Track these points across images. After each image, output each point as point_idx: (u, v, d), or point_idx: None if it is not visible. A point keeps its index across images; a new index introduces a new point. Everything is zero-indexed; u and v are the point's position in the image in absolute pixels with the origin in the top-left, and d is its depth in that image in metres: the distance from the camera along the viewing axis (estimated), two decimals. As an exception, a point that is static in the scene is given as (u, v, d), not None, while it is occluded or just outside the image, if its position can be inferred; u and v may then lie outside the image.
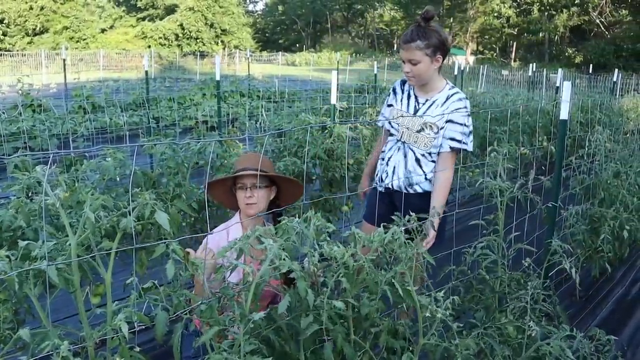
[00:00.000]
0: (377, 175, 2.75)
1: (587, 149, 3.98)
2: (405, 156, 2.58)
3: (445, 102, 2.48)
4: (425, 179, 2.56)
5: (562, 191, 3.38)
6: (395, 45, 51.55)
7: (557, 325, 2.27)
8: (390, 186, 2.63)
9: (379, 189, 2.69)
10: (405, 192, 2.56)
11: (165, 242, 1.18)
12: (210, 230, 2.14)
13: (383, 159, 2.70)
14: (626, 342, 3.15)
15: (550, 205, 3.01)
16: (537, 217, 3.13)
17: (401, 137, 2.58)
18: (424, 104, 2.54)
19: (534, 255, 2.66)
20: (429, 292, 1.59)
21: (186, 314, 1.26)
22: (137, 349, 1.16)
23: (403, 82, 2.66)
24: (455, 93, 2.51)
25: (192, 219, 3.07)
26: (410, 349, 1.63)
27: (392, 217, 2.11)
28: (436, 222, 2.30)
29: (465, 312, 2.31)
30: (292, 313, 1.44)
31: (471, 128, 2.52)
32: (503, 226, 2.36)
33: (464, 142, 2.46)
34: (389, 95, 2.72)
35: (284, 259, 1.24)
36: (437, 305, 1.46)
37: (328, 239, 1.50)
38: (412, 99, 2.58)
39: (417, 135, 2.51)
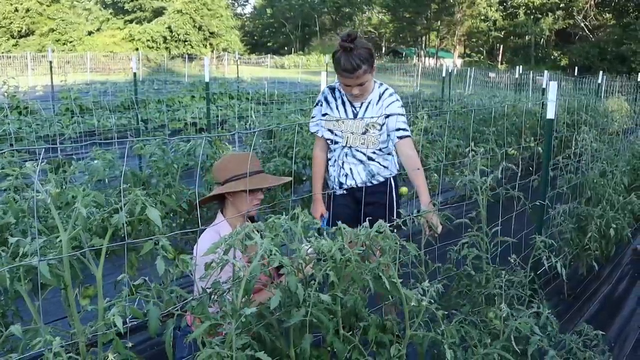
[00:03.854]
0: (333, 180, 2.78)
1: (573, 148, 4.03)
2: (355, 157, 2.67)
3: (379, 100, 2.61)
4: (384, 167, 2.69)
5: (550, 190, 3.42)
6: (384, 48, 51.77)
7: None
8: (354, 185, 2.69)
9: (339, 192, 2.75)
10: (370, 184, 2.67)
11: (155, 238, 1.18)
12: (202, 231, 2.14)
13: (333, 165, 2.75)
14: (613, 338, 3.19)
15: (538, 203, 3.04)
16: (526, 216, 3.17)
17: (346, 142, 2.65)
18: (360, 107, 2.62)
19: (523, 253, 2.70)
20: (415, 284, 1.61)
21: (177, 310, 1.26)
22: (130, 343, 1.15)
23: (332, 90, 2.70)
24: (385, 90, 2.65)
25: (183, 220, 3.06)
26: (399, 342, 1.64)
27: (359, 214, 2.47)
28: (435, 218, 2.36)
29: (454, 308, 2.32)
30: (283, 308, 1.45)
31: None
32: (486, 222, 2.39)
33: (407, 129, 2.62)
34: (320, 105, 2.73)
35: (274, 254, 1.25)
36: (423, 294, 1.49)
37: (316, 235, 1.51)
38: (348, 104, 2.65)
39: (363, 137, 2.62)
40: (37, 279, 1.10)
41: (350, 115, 2.63)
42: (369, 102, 2.61)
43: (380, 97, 2.61)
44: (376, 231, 1.49)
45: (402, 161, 2.62)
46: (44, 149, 1.16)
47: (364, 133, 2.60)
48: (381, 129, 2.60)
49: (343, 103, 2.65)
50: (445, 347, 1.56)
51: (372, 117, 2.58)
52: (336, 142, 2.69)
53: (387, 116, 2.58)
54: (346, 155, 2.68)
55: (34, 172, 1.04)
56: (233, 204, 2.22)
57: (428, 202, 2.45)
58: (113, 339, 1.10)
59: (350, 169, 2.69)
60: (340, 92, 2.67)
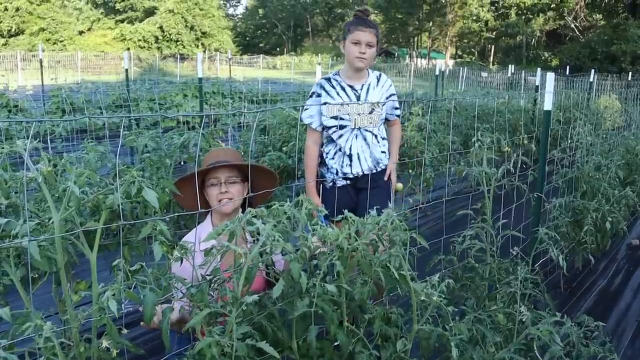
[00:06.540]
0: (335, 172, 2.74)
1: (569, 142, 4.02)
2: (365, 140, 2.72)
3: (378, 82, 2.76)
4: (383, 153, 2.82)
5: (545, 185, 3.40)
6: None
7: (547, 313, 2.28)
8: (359, 173, 2.72)
9: (339, 183, 2.73)
10: (374, 171, 2.75)
11: (151, 220, 1.13)
12: (197, 224, 2.07)
13: (334, 157, 2.74)
14: (611, 331, 3.18)
15: (536, 195, 3.03)
16: (523, 209, 3.15)
17: (355, 124, 2.68)
18: (361, 89, 2.71)
19: (521, 246, 2.68)
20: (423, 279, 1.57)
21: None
22: (125, 330, 1.10)
23: (328, 79, 2.75)
24: (380, 74, 2.80)
25: (177, 214, 3.00)
26: (404, 336, 1.60)
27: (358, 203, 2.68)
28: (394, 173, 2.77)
29: (457, 301, 2.29)
30: (285, 299, 1.40)
31: None
32: (491, 214, 2.36)
33: (399, 109, 2.91)
34: (318, 96, 2.70)
35: (277, 240, 1.20)
36: (432, 289, 1.44)
37: (320, 222, 1.47)
38: (348, 89, 2.71)
39: (370, 116, 2.69)
40: (28, 264, 1.05)
41: (354, 98, 2.67)
42: (369, 85, 2.72)
43: (378, 80, 2.76)
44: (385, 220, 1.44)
45: (391, 135, 2.87)
46: (34, 122, 1.10)
47: (370, 112, 2.68)
48: (382, 107, 2.73)
49: (343, 89, 2.70)
50: (452, 344, 1.51)
51: (372, 98, 2.73)
52: (343, 127, 2.67)
53: (389, 96, 2.75)
54: (355, 137, 2.70)
55: (24, 149, 0.99)
56: (210, 203, 2.03)
57: (394, 162, 2.78)
58: (106, 323, 1.05)
59: (358, 154, 2.71)
60: (336, 80, 2.71)
